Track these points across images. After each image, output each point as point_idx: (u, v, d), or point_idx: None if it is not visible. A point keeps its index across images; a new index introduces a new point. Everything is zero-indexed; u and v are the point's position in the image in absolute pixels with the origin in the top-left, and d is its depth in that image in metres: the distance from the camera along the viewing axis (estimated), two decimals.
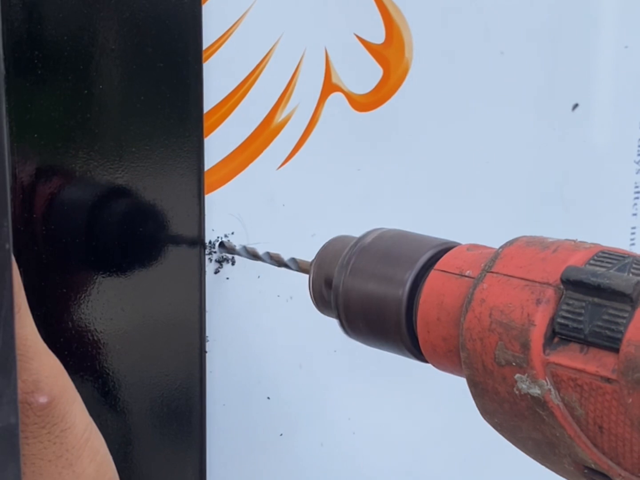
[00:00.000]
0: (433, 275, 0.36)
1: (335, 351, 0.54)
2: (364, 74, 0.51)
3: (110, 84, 0.41)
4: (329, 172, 0.51)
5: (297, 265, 0.44)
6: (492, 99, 0.57)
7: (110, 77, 0.41)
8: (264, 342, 0.51)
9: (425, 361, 0.37)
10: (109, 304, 0.43)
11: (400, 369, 0.49)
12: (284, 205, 0.50)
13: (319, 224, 0.50)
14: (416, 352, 0.37)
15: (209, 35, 0.44)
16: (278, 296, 0.50)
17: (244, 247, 0.47)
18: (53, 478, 0.35)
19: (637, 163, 0.68)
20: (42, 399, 0.34)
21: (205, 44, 0.44)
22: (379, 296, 0.37)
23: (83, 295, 0.42)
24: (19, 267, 0.33)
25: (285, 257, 0.45)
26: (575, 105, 0.62)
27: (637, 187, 0.69)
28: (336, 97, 0.50)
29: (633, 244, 0.70)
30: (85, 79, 0.40)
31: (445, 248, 0.37)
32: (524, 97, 0.59)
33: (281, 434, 0.54)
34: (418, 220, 0.48)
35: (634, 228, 0.70)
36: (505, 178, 0.60)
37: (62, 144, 0.40)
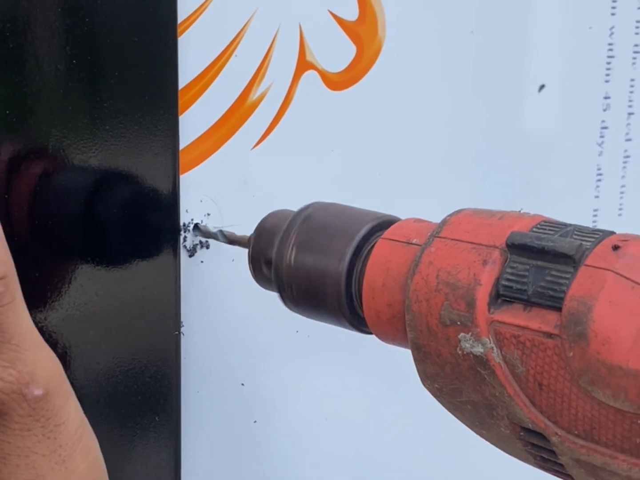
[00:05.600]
0: (380, 244, 0.36)
1: (308, 336, 0.53)
2: (337, 52, 0.50)
3: (83, 60, 0.40)
4: (302, 153, 0.50)
5: (232, 239, 0.44)
6: (463, 77, 0.57)
7: (83, 52, 0.39)
8: (238, 327, 0.50)
9: (367, 333, 0.38)
10: (82, 289, 0.42)
11: (375, 354, 0.48)
12: (258, 186, 0.49)
13: (293, 205, 0.49)
14: (355, 323, 0.38)
15: (183, 8, 0.43)
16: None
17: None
18: (45, 472, 0.34)
19: (600, 145, 0.68)
20: (37, 391, 0.33)
21: (180, 18, 0.43)
22: (318, 269, 0.38)
23: (56, 280, 0.41)
24: None
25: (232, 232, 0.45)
26: (542, 87, 0.62)
27: (599, 169, 0.69)
28: (310, 75, 0.49)
29: (595, 226, 0.70)
30: (57, 54, 0.39)
31: (385, 221, 0.38)
32: (490, 77, 0.59)
33: (255, 421, 0.53)
34: (391, 201, 0.48)
35: (596, 210, 0.70)
36: (471, 160, 0.60)
37: (34, 121, 0.39)
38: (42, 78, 0.39)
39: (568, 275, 0.30)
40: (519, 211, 0.34)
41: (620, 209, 0.72)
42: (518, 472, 0.40)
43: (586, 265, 0.29)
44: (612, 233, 0.31)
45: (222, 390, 0.51)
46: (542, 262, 0.30)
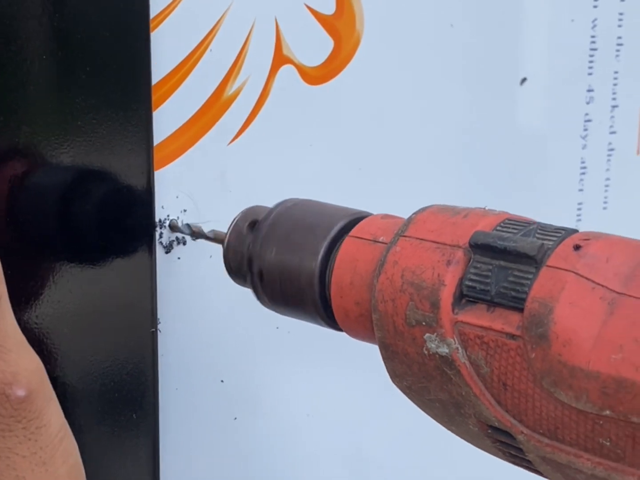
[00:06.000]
0: (347, 242, 0.36)
1: (289, 332, 0.53)
2: (314, 46, 0.50)
3: (53, 55, 0.39)
4: (280, 148, 0.50)
5: (209, 236, 0.44)
6: (443, 71, 0.57)
7: (53, 47, 0.39)
8: (217, 323, 0.50)
9: (340, 330, 0.38)
10: (55, 286, 0.41)
11: (357, 350, 0.48)
12: (235, 181, 0.48)
13: (270, 201, 0.49)
14: (330, 321, 0.38)
15: (155, 2, 0.42)
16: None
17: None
18: (25, 474, 0.34)
19: (583, 138, 0.68)
20: (20, 392, 0.33)
21: (153, 12, 0.42)
22: (292, 266, 0.38)
23: (28, 277, 0.41)
24: None
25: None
26: (524, 80, 0.62)
27: (583, 162, 0.69)
28: (287, 70, 0.49)
29: (579, 220, 0.70)
30: (27, 49, 0.38)
31: (358, 217, 0.38)
32: (472, 71, 0.59)
33: (235, 418, 0.52)
34: (372, 196, 0.47)
35: (580, 204, 0.70)
36: (452, 154, 0.60)
37: (4, 118, 0.38)
38: (11, 74, 0.38)
39: (530, 276, 0.29)
40: (484, 208, 0.34)
41: (605, 202, 0.71)
42: (509, 467, 0.40)
43: (548, 266, 0.29)
44: (575, 231, 0.31)
45: (202, 387, 0.50)
46: (504, 262, 0.30)
